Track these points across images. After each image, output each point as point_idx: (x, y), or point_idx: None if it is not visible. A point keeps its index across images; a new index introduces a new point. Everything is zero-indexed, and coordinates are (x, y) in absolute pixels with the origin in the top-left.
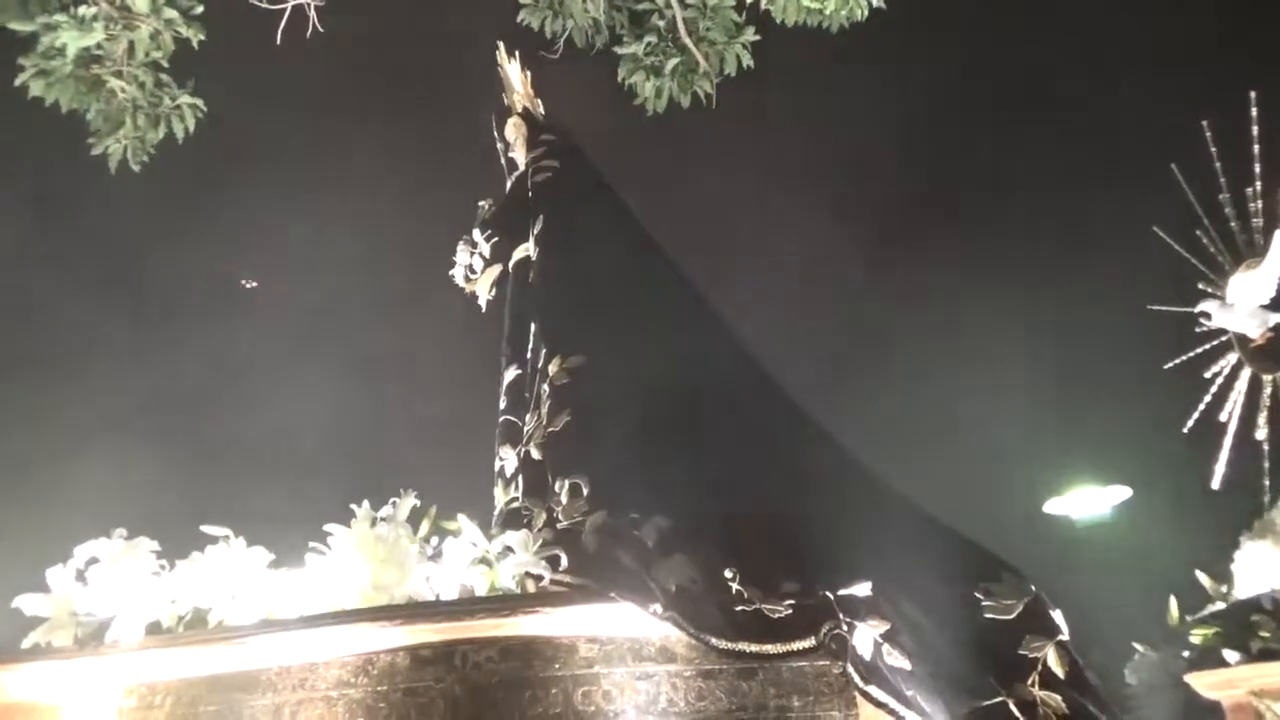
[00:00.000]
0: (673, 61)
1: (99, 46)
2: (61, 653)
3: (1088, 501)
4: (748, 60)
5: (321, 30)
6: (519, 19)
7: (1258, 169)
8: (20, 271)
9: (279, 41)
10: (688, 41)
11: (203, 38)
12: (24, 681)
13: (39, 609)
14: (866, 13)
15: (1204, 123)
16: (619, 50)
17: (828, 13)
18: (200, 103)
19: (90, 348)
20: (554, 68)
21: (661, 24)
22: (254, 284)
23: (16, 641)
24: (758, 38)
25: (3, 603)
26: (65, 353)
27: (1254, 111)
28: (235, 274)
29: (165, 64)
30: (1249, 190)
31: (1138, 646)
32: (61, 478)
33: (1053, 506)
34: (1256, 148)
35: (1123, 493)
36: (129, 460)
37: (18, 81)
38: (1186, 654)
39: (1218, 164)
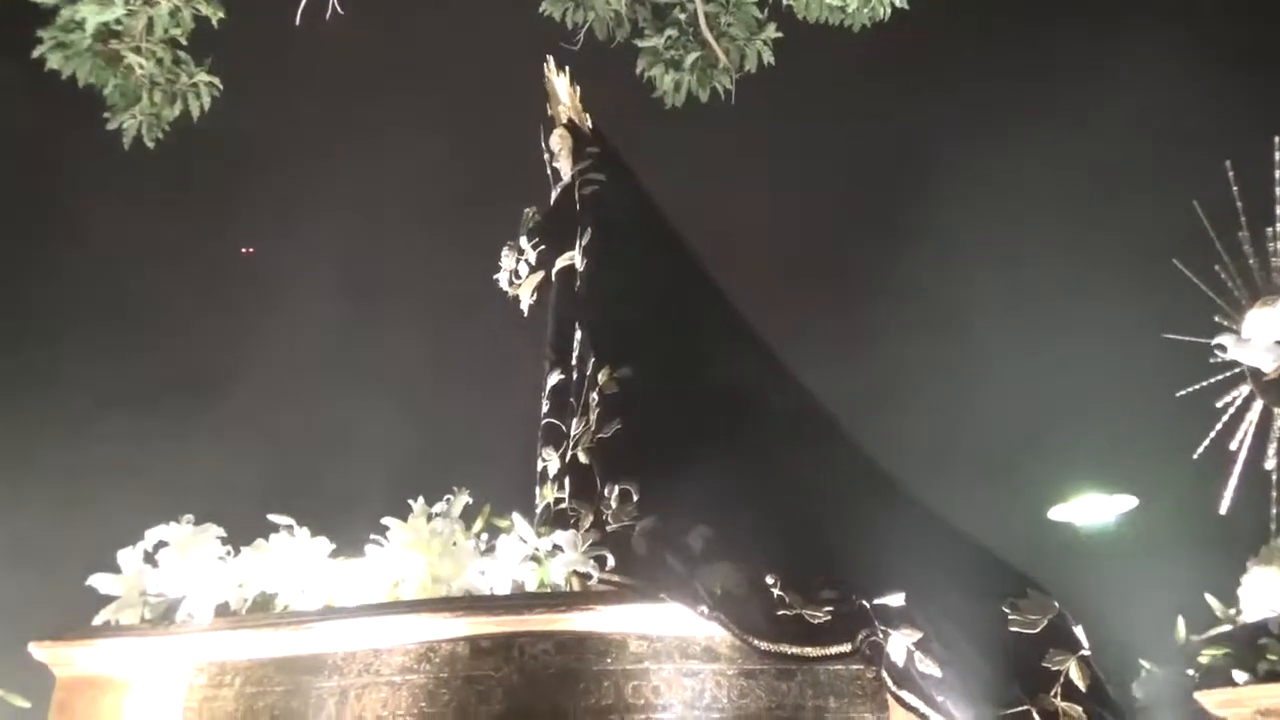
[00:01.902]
0: (692, 56)
1: (118, 21)
2: (134, 630)
3: (1092, 509)
4: (769, 57)
5: (341, 13)
6: (540, 9)
7: (1278, 210)
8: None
9: (298, 23)
10: (708, 36)
11: (221, 15)
12: (96, 656)
13: (110, 588)
14: (889, 12)
15: (1227, 162)
16: (639, 43)
17: (850, 10)
18: (217, 81)
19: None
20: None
21: (683, 18)
22: (250, 251)
23: (88, 619)
24: (779, 34)
25: (77, 583)
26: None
27: (1277, 155)
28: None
29: (184, 41)
30: (1269, 230)
31: (1144, 664)
32: (132, 467)
33: (1057, 513)
34: (1278, 190)
35: (1129, 502)
36: (198, 452)
37: (36, 54)
38: (1191, 672)
39: (1239, 203)
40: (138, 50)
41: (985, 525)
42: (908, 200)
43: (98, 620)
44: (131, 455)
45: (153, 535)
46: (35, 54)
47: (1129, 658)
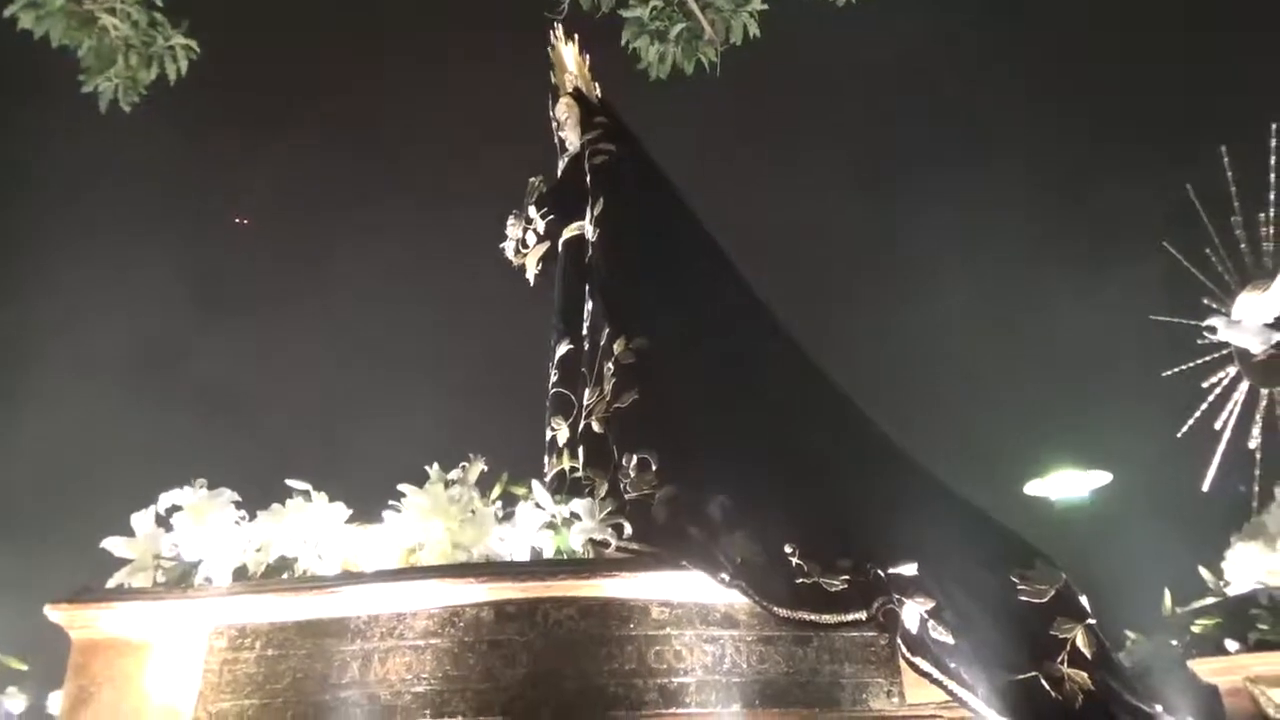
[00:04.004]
0: (678, 27)
1: None
2: (153, 593)
3: (1068, 484)
4: (754, 30)
5: None
6: None
7: (1273, 196)
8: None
9: None
10: (694, 7)
11: None
12: (115, 619)
13: (124, 551)
14: None
15: (1222, 148)
16: (624, 14)
17: None
18: (194, 44)
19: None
20: None
21: None
22: (245, 221)
23: (100, 583)
24: (765, 6)
25: (92, 546)
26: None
27: (1273, 142)
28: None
29: (159, 2)
30: (1261, 215)
31: (1129, 634)
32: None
33: (1033, 488)
34: (1273, 176)
35: (1102, 478)
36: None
37: (6, 13)
38: (1176, 642)
39: (1233, 188)
40: (112, 11)
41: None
42: (884, 171)
43: (112, 583)
44: (141, 422)
45: (166, 499)
46: (6, 14)
47: (1110, 628)
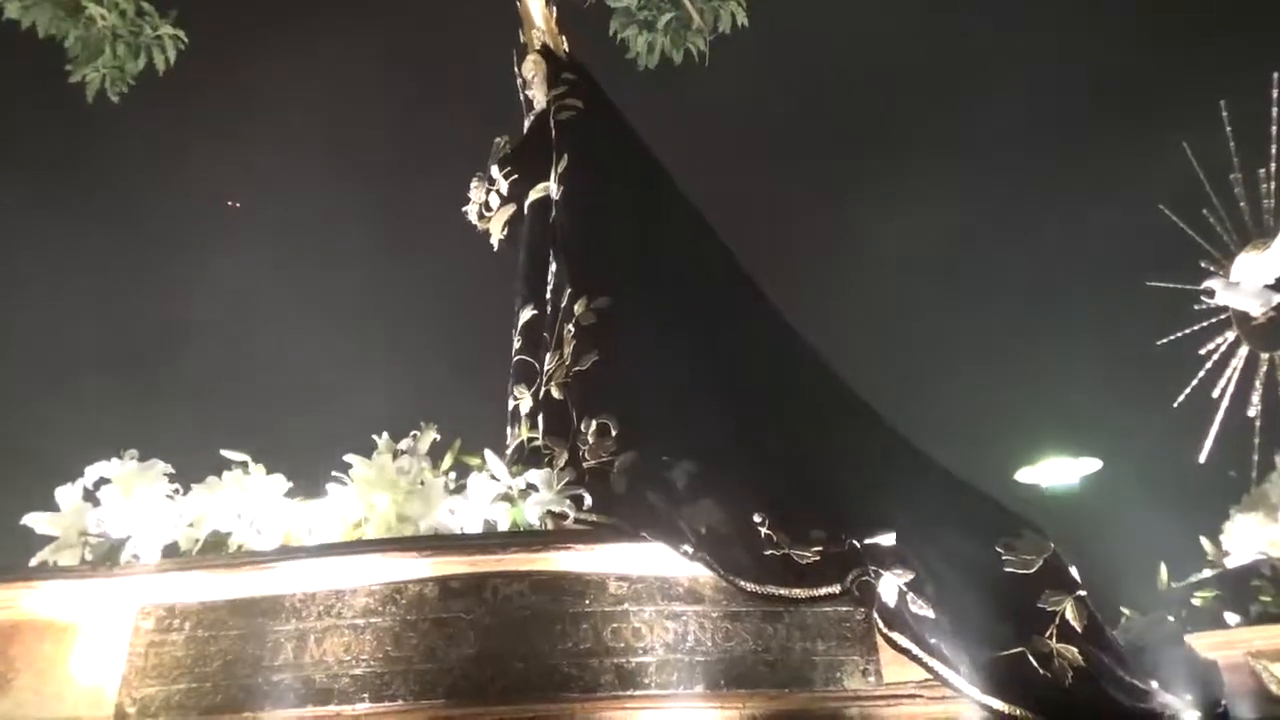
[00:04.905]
0: (666, 17)
1: None
2: (76, 571)
3: (1058, 471)
4: (742, 18)
5: None
6: None
7: (1274, 150)
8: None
9: None
10: None
11: None
12: (38, 599)
13: (47, 528)
14: None
15: (1221, 101)
16: (611, 4)
17: None
18: (181, 34)
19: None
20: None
21: None
22: (237, 205)
23: (25, 560)
24: None
25: (12, 521)
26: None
27: (1275, 93)
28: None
29: None
30: (1262, 171)
31: (1124, 610)
32: (75, 404)
33: (1024, 475)
34: (1275, 129)
35: (1092, 464)
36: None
37: None
38: (1173, 618)
39: (1232, 144)
40: (99, 1)
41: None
42: (870, 150)
43: (34, 561)
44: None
45: (93, 472)
46: None
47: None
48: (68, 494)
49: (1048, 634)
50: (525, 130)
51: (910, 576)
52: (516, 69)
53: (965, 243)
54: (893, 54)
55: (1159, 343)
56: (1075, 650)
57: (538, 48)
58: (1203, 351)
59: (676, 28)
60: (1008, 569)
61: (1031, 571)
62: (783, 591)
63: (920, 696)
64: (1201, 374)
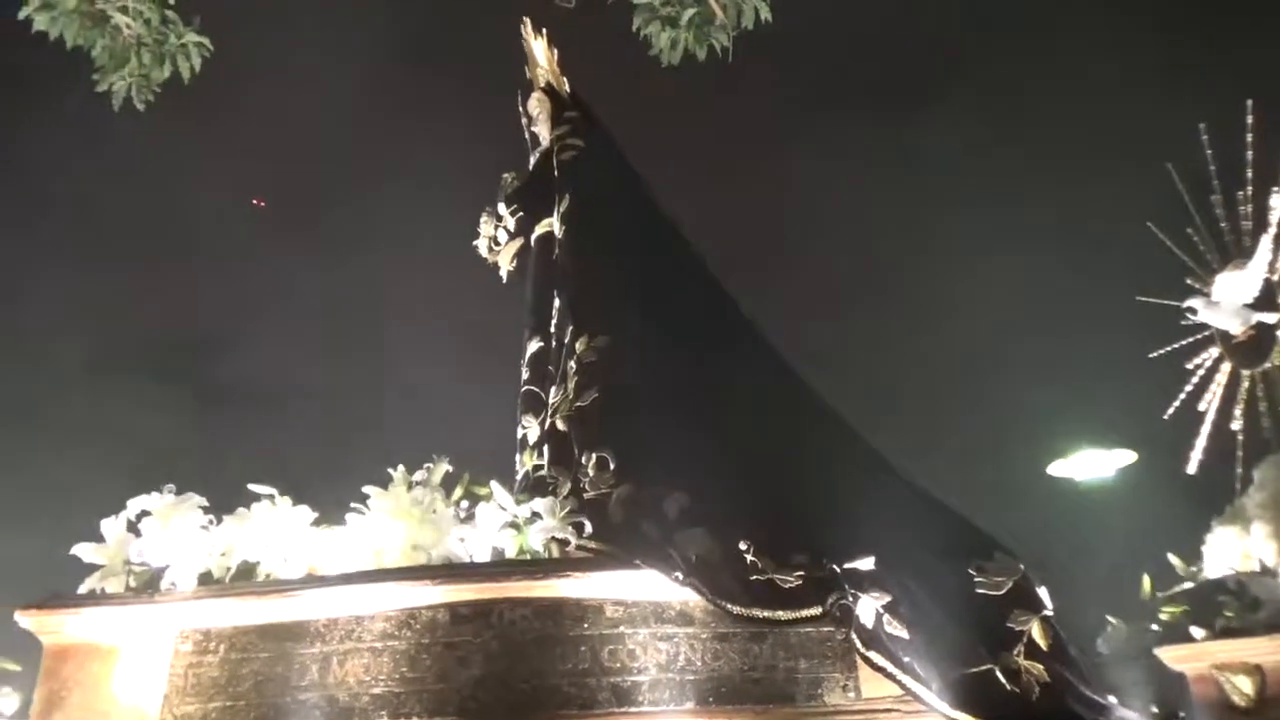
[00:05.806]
0: (689, 12)
1: None
2: (119, 598)
3: (1092, 464)
4: (766, 14)
5: None
6: None
7: (1250, 174)
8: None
9: None
10: None
11: None
12: (83, 624)
13: (94, 557)
14: None
15: (1201, 125)
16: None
17: None
18: (206, 41)
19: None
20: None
21: None
22: (261, 203)
23: (74, 587)
24: None
25: (62, 551)
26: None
27: (1249, 119)
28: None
29: (171, 1)
30: (1240, 194)
31: (1110, 619)
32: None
33: (1057, 468)
34: (1250, 154)
35: (1127, 457)
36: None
37: (21, 15)
38: (1154, 628)
39: (1212, 167)
40: (124, 10)
41: (988, 480)
42: (900, 159)
43: (83, 588)
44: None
45: (135, 505)
46: (21, 15)
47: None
48: (112, 526)
49: (1016, 652)
50: (530, 167)
51: (887, 599)
52: (521, 106)
53: (999, 240)
54: None
55: (1150, 356)
56: (1041, 667)
57: (542, 86)
58: (1189, 366)
59: (699, 23)
60: (979, 590)
61: (1002, 593)
62: (768, 614)
63: (896, 711)
64: (1189, 388)
